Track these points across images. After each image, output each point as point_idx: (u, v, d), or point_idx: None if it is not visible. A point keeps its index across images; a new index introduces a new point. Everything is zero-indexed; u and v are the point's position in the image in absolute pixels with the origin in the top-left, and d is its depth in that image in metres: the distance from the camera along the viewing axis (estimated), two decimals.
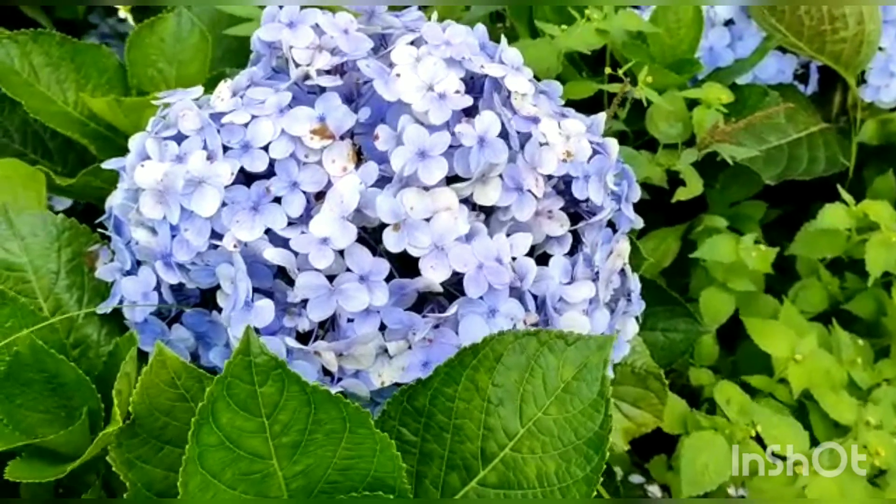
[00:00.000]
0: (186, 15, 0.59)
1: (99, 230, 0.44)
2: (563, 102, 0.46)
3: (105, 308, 0.42)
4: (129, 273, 0.41)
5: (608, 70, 0.57)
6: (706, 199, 0.71)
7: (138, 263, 0.41)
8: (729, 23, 0.69)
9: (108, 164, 0.43)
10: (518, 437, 0.34)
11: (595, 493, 0.32)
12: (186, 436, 0.34)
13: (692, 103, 0.61)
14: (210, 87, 0.54)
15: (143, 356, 0.37)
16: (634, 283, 0.46)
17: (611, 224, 0.45)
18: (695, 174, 0.59)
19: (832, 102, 0.73)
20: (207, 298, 0.41)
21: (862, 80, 0.67)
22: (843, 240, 0.60)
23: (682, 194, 0.58)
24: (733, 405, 0.48)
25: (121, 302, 0.41)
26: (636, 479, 0.58)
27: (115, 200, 0.42)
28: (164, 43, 0.58)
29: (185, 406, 0.34)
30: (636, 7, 0.66)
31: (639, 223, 0.45)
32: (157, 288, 0.40)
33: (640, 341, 0.48)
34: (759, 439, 0.50)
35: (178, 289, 0.41)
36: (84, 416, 0.38)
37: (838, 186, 0.61)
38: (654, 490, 0.57)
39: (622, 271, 0.45)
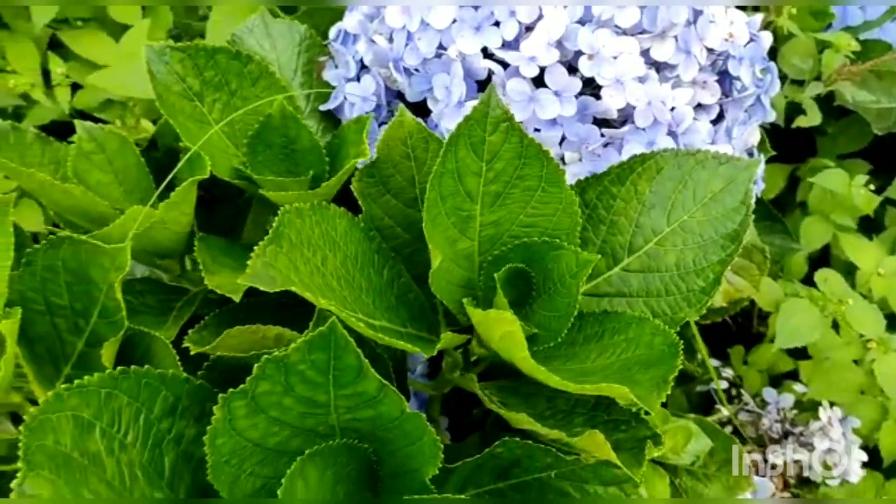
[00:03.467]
0: None
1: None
2: None
3: (329, 106, 0.52)
4: (350, 80, 0.51)
5: None
6: (815, 147, 0.79)
7: (358, 77, 0.51)
8: None
9: None
10: (663, 234, 0.43)
11: (725, 270, 0.40)
12: (405, 192, 0.44)
13: (821, 49, 0.68)
14: None
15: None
16: (760, 166, 0.54)
17: (746, 111, 0.53)
18: (815, 106, 0.66)
19: None
20: (410, 110, 0.51)
21: None
22: None
23: (801, 121, 0.66)
24: (828, 285, 0.55)
25: (342, 102, 0.51)
26: (714, 362, 0.66)
27: (349, 21, 0.51)
28: None
29: (408, 164, 0.43)
30: None
31: (771, 115, 0.53)
32: (374, 93, 0.50)
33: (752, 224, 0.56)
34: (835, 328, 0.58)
35: (388, 103, 0.51)
36: (308, 177, 0.47)
37: None
38: (728, 373, 0.65)
39: (751, 153, 0.53)
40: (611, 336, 0.40)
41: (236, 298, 0.39)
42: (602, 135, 0.45)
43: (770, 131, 0.73)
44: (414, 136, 0.42)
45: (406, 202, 0.44)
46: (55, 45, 0.69)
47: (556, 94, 0.44)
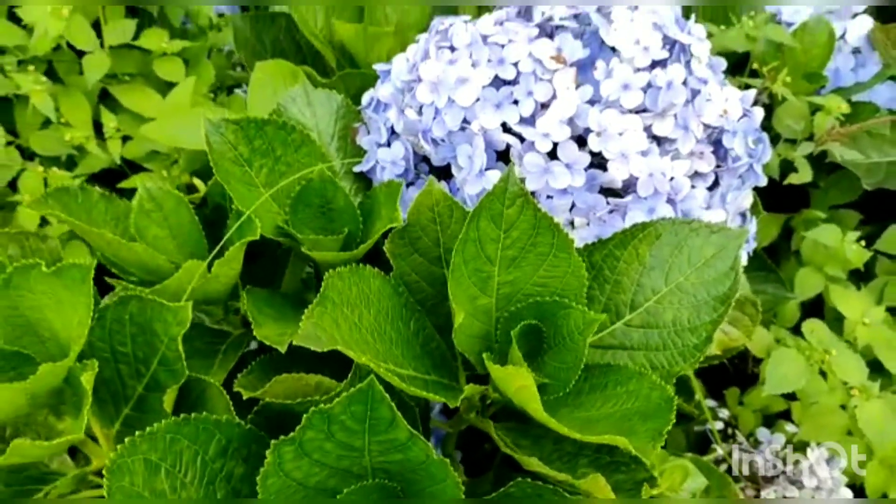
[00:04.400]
0: None
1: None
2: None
3: (361, 168, 0.57)
4: (381, 145, 0.56)
5: (755, 65, 0.70)
6: (808, 200, 0.83)
7: (388, 143, 0.56)
8: (855, 51, 0.80)
9: (377, 66, 0.58)
10: (661, 294, 0.48)
11: (716, 330, 0.45)
12: (430, 251, 0.49)
13: (815, 110, 0.73)
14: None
15: None
16: (752, 226, 0.59)
17: (740, 177, 0.58)
18: (807, 164, 0.71)
19: None
20: (435, 173, 0.56)
21: None
22: None
23: (793, 178, 0.71)
24: (815, 336, 0.60)
25: (374, 165, 0.56)
26: (710, 402, 0.70)
27: (382, 91, 0.57)
28: None
29: (434, 228, 0.48)
30: None
31: (763, 181, 0.58)
32: (403, 158, 0.55)
33: (745, 276, 0.61)
34: (823, 375, 0.62)
35: (415, 165, 0.56)
36: (343, 234, 0.53)
37: None
38: (725, 413, 0.70)
39: (744, 215, 0.58)
40: (614, 387, 0.45)
41: (282, 349, 0.44)
42: (608, 202, 0.50)
43: (766, 183, 0.78)
44: (440, 203, 0.48)
45: (431, 260, 0.49)
46: (103, 97, 0.75)
47: (568, 166, 0.49)
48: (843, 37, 0.80)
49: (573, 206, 0.50)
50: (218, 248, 0.47)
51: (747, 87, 0.72)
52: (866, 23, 0.79)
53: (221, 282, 0.49)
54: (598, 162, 0.51)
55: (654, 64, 0.51)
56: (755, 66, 0.71)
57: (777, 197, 0.76)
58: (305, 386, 0.43)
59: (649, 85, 0.50)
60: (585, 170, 0.49)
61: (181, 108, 0.70)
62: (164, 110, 0.70)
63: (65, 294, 0.43)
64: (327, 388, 0.44)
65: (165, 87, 0.74)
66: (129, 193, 0.71)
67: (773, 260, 0.84)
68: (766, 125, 0.78)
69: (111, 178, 0.74)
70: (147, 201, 0.51)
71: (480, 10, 0.65)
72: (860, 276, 0.80)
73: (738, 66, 0.79)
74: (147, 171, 0.71)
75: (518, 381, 0.40)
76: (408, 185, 0.56)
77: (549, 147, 0.49)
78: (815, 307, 0.79)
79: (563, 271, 0.45)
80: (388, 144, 0.56)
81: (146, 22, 0.76)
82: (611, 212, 0.50)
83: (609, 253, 0.48)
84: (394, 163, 0.55)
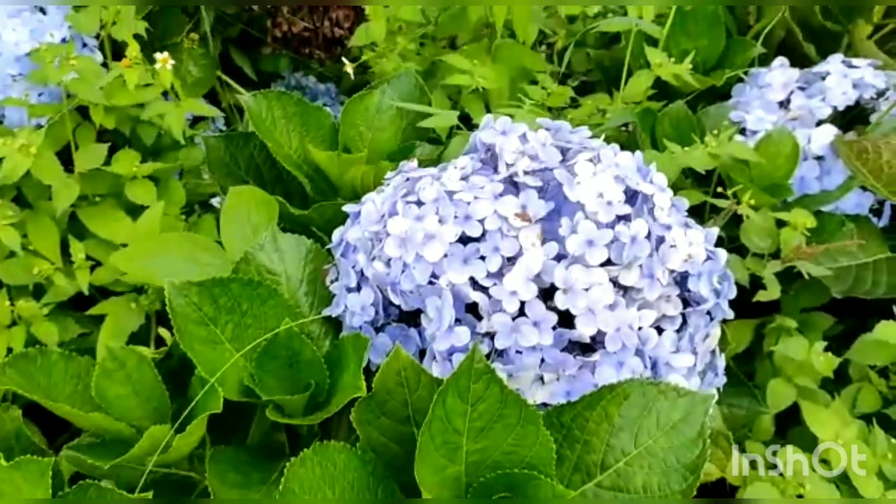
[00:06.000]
0: (388, 93, 0.75)
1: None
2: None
3: (331, 312, 0.57)
4: (351, 290, 0.56)
5: (719, 189, 0.71)
6: (780, 302, 0.84)
7: (358, 286, 0.56)
8: (820, 158, 0.81)
9: (347, 208, 0.58)
10: (631, 456, 0.47)
11: (688, 500, 0.45)
12: (398, 412, 0.48)
13: (781, 223, 0.74)
14: (400, 155, 0.71)
15: None
16: (720, 362, 0.59)
17: (708, 312, 0.58)
18: (775, 281, 0.71)
19: None
20: (405, 318, 0.56)
21: None
22: (893, 351, 0.71)
23: (762, 296, 0.71)
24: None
25: (344, 310, 0.56)
26: None
27: (351, 234, 0.57)
28: (368, 112, 0.74)
29: (402, 391, 0.48)
30: None
31: (730, 315, 0.59)
32: (373, 304, 0.55)
33: (715, 408, 0.61)
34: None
35: (385, 309, 0.56)
36: (311, 388, 0.52)
37: (894, 307, 0.73)
38: None
39: (713, 351, 0.58)
40: None
41: None
42: (576, 359, 0.50)
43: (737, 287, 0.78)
44: (408, 368, 0.47)
45: (399, 420, 0.49)
46: (73, 217, 0.75)
47: (535, 324, 0.49)
48: (808, 143, 0.82)
49: (542, 361, 0.50)
50: (181, 420, 0.47)
51: (718, 195, 0.73)
52: (829, 131, 0.80)
53: (184, 451, 0.48)
54: (566, 312, 0.51)
55: (619, 218, 0.51)
56: (719, 188, 0.72)
57: (749, 301, 0.76)
58: None
59: (614, 239, 0.50)
60: (553, 328, 0.49)
61: (151, 233, 0.70)
62: (133, 236, 0.70)
63: (24, 485, 0.42)
64: None
65: (136, 205, 0.74)
66: (99, 320, 0.71)
67: (749, 363, 0.84)
68: (734, 235, 0.79)
69: (81, 303, 0.74)
70: (110, 362, 0.51)
71: None
72: (836, 376, 0.80)
73: (706, 175, 0.80)
74: (117, 294, 0.71)
75: None
76: (377, 331, 0.55)
77: (517, 307, 0.49)
78: (793, 412, 0.79)
79: (531, 441, 0.45)
80: (358, 289, 0.56)
81: (119, 142, 0.76)
82: (580, 367, 0.50)
83: (578, 413, 0.48)
84: (363, 309, 0.55)
